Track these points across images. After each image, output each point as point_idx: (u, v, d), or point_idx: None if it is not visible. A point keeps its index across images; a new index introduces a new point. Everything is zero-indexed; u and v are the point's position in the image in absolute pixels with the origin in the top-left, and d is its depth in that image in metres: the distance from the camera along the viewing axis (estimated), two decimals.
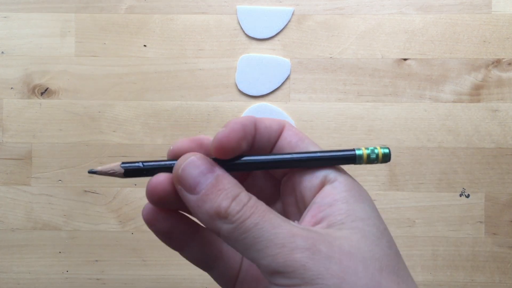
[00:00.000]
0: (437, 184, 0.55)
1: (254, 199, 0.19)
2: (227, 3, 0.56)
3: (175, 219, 0.21)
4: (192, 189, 0.19)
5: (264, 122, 0.22)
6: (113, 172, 0.20)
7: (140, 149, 0.56)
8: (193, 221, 0.22)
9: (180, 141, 0.21)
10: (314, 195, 0.20)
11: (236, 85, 0.56)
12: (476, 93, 0.55)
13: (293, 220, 0.20)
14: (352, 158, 0.22)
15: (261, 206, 0.19)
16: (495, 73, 0.55)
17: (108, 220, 0.56)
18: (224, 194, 0.18)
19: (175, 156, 0.20)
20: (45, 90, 0.56)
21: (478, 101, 0.55)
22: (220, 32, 0.56)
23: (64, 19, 0.57)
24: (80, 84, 0.56)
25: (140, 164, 0.20)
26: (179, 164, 0.19)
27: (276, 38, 0.56)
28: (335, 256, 0.17)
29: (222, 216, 0.18)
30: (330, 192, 0.20)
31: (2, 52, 0.57)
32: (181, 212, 0.22)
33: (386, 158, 0.22)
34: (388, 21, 0.56)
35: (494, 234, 0.55)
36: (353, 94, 0.55)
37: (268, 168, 0.22)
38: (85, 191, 0.56)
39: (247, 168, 0.21)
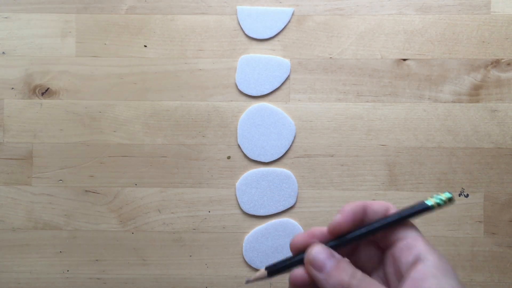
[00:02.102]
0: (437, 184, 0.55)
1: (367, 276, 0.26)
2: (227, 3, 0.56)
3: None
4: (320, 269, 0.26)
5: (372, 208, 0.28)
6: (261, 278, 0.29)
7: (140, 149, 0.56)
8: None
9: (297, 236, 0.29)
10: (408, 270, 0.26)
11: (236, 85, 0.56)
12: (475, 93, 0.55)
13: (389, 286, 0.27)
14: (426, 209, 0.28)
15: (371, 280, 0.26)
16: (494, 73, 0.55)
17: (108, 220, 0.56)
18: (345, 272, 0.26)
19: (296, 246, 0.28)
20: (46, 90, 0.57)
21: (477, 101, 0.55)
22: (220, 33, 0.56)
23: (65, 19, 0.57)
24: (81, 84, 0.57)
25: (280, 267, 0.28)
26: (310, 252, 0.27)
27: (276, 39, 0.56)
28: None
29: (346, 287, 0.25)
30: (423, 269, 0.25)
31: (3, 53, 0.57)
32: None
33: (452, 201, 0.28)
34: (387, 22, 0.56)
35: (493, 233, 0.55)
36: (353, 94, 0.56)
37: (367, 237, 0.28)
38: (86, 191, 0.56)
39: (353, 241, 0.28)
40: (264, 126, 0.56)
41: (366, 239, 0.29)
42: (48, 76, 0.57)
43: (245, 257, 0.55)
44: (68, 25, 0.57)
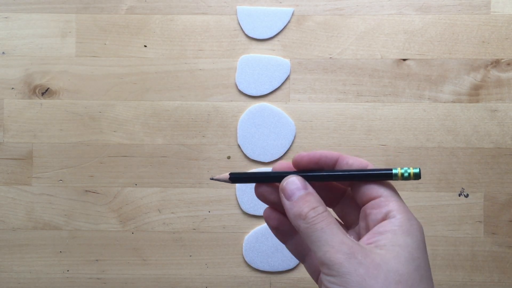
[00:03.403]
0: (436, 184, 0.55)
1: (327, 212, 0.27)
2: (227, 3, 0.56)
3: (281, 222, 0.31)
4: (288, 197, 0.28)
5: (347, 161, 0.30)
6: (224, 180, 0.30)
7: (140, 149, 0.56)
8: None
9: (280, 162, 0.31)
10: (374, 225, 0.27)
11: (236, 85, 0.56)
12: (475, 93, 0.55)
13: (358, 240, 0.28)
14: (390, 175, 0.28)
15: (330, 218, 0.26)
16: (494, 73, 0.55)
17: (108, 220, 0.56)
18: (307, 204, 0.27)
19: (300, 162, 0.29)
20: (46, 90, 0.57)
21: (477, 101, 0.55)
22: (220, 33, 0.56)
23: (65, 19, 0.57)
24: (81, 84, 0.57)
25: (242, 176, 0.31)
26: (284, 180, 0.28)
27: (276, 39, 0.56)
28: (365, 264, 0.24)
29: (302, 217, 0.26)
30: (386, 225, 0.26)
31: (3, 53, 0.57)
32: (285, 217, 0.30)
33: (417, 176, 0.28)
34: (387, 22, 0.56)
35: (493, 233, 0.55)
36: (353, 94, 0.56)
37: (331, 180, 0.30)
38: (86, 191, 0.56)
39: (319, 179, 0.29)
40: (264, 126, 0.56)
41: (331, 181, 0.30)
42: (48, 76, 0.57)
43: (245, 257, 0.55)
44: (68, 25, 0.57)
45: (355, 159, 0.29)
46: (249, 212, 0.55)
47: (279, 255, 0.55)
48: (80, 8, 0.57)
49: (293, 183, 0.28)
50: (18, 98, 0.57)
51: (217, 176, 0.30)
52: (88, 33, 0.57)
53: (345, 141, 0.55)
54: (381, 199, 0.28)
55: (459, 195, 0.55)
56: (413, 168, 0.28)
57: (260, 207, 0.55)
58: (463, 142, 0.55)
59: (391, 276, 0.24)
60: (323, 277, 0.25)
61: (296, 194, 0.27)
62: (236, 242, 0.56)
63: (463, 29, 0.55)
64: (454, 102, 0.55)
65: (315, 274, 0.30)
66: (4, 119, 0.57)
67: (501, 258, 0.55)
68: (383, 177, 0.28)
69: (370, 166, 0.29)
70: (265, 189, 0.30)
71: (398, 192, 0.29)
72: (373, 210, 0.27)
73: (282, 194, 0.28)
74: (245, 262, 0.56)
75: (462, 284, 0.55)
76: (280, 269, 0.55)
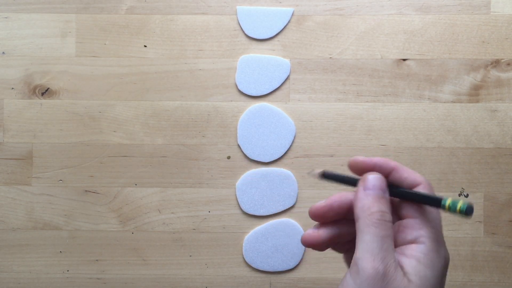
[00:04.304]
0: (436, 184, 0.55)
1: (391, 224, 0.27)
2: (227, 3, 0.56)
3: (331, 241, 0.31)
4: (367, 188, 0.28)
5: (403, 174, 0.30)
6: (314, 176, 0.32)
7: (140, 149, 0.56)
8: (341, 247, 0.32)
9: (359, 159, 0.31)
10: (401, 244, 0.28)
11: (236, 85, 0.56)
12: (475, 93, 0.55)
13: None
14: (439, 205, 0.28)
15: (390, 231, 0.27)
16: (494, 73, 0.55)
17: (108, 220, 0.56)
18: (379, 205, 0.27)
19: (355, 166, 0.31)
20: (46, 90, 0.57)
21: (477, 101, 0.55)
22: (220, 33, 0.56)
23: (65, 19, 0.57)
24: (81, 84, 0.57)
25: (333, 175, 0.32)
26: (369, 173, 0.29)
27: (276, 39, 0.56)
28: None
29: (368, 213, 0.27)
30: (414, 248, 0.27)
31: (3, 53, 0.57)
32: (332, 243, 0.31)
33: (468, 212, 0.27)
34: (387, 22, 0.56)
35: (493, 233, 0.55)
36: (353, 94, 0.56)
37: (401, 198, 0.30)
38: (86, 191, 0.56)
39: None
40: (264, 126, 0.56)
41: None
42: (48, 76, 0.57)
43: (245, 257, 0.55)
44: (68, 25, 0.57)
45: (410, 173, 0.29)
46: (249, 212, 0.55)
47: (279, 255, 0.55)
48: (80, 8, 0.57)
49: (377, 179, 0.28)
50: (18, 98, 0.57)
51: (310, 173, 0.33)
52: (88, 33, 0.57)
53: (345, 141, 0.55)
54: (416, 221, 0.28)
55: (459, 195, 0.55)
56: (465, 204, 0.27)
57: (260, 207, 0.55)
58: (463, 142, 0.55)
59: None
60: (349, 271, 0.26)
61: (375, 190, 0.28)
62: (236, 242, 0.56)
63: (463, 29, 0.55)
64: (454, 102, 0.55)
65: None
66: (4, 119, 0.57)
67: (501, 258, 0.55)
68: (432, 204, 0.28)
69: (424, 184, 0.29)
70: (320, 207, 0.30)
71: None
72: (405, 229, 0.28)
73: (361, 182, 0.29)
74: (245, 262, 0.56)
75: (462, 284, 0.55)
76: (280, 269, 0.55)
